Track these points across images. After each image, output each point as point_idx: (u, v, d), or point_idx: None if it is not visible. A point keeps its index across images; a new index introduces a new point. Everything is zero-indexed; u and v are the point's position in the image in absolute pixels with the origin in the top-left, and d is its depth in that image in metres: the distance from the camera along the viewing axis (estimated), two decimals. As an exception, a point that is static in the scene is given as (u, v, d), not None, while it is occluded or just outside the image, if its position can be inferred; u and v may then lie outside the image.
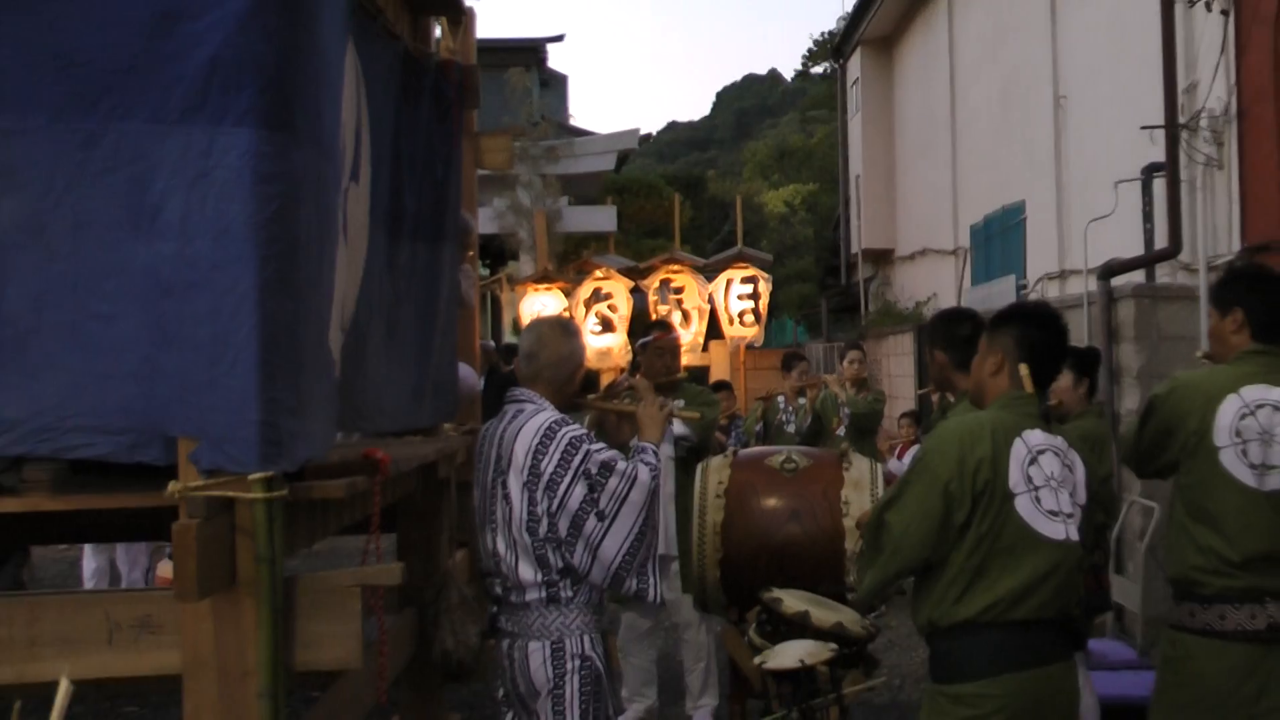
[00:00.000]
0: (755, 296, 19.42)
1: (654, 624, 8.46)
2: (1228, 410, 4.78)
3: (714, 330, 19.65)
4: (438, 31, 7.39)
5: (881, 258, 24.99)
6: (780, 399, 11.60)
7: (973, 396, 4.86)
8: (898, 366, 19.08)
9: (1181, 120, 11.01)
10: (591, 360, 17.79)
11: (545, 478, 4.68)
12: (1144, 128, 11.50)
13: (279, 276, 3.80)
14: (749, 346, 19.81)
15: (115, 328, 3.81)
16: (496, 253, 27.35)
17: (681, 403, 7.77)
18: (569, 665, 4.76)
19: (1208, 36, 10.82)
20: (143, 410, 3.81)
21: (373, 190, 5.46)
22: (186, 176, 3.76)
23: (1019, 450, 4.44)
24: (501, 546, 4.80)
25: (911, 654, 9.61)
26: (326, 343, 4.48)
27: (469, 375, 7.83)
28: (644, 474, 4.81)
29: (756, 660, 5.32)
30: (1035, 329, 4.70)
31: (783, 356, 12.90)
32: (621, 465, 4.75)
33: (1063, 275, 14.80)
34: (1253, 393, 4.79)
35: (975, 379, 4.82)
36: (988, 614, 4.35)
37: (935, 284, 20.55)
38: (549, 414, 4.82)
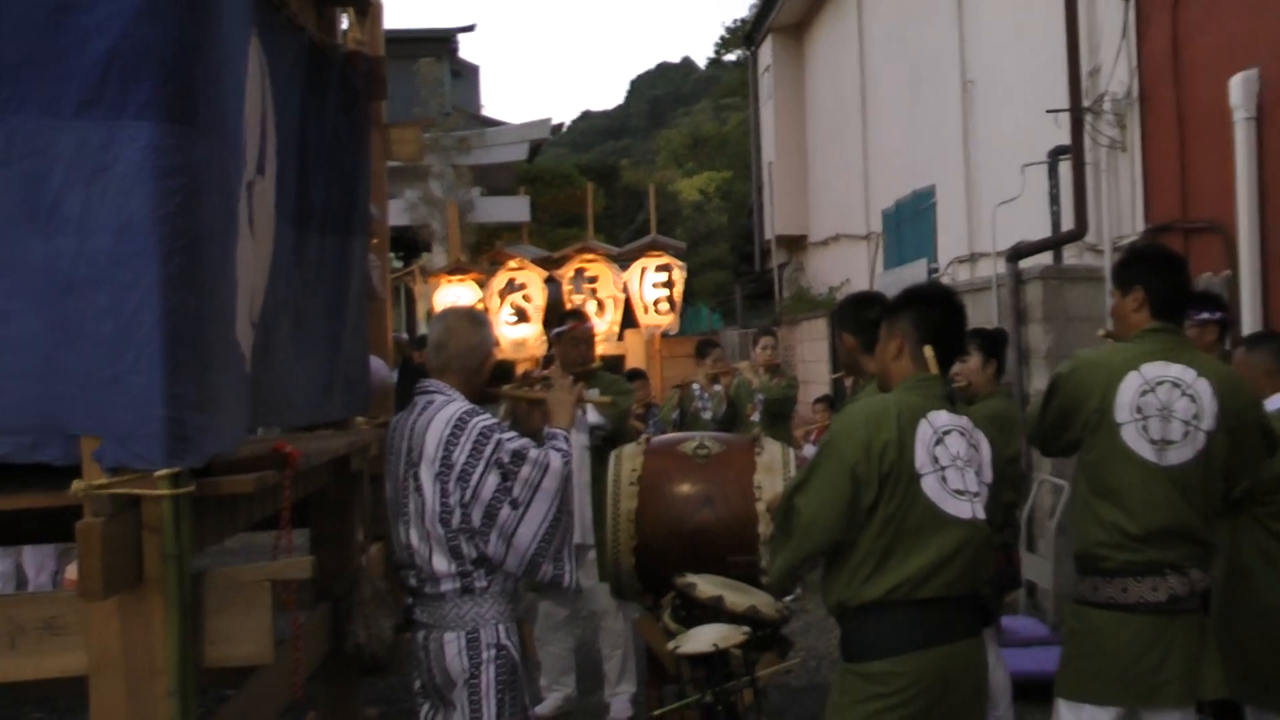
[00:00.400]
0: (670, 284, 19.45)
1: (571, 613, 8.47)
2: (1129, 387, 4.85)
3: (629, 319, 19.66)
4: (345, 22, 7.35)
5: (795, 244, 25.07)
6: (695, 386, 11.63)
7: (879, 380, 4.92)
8: (812, 352, 19.19)
9: (1085, 104, 11.11)
10: (507, 351, 17.80)
11: (457, 469, 4.68)
12: (1049, 111, 11.60)
13: (182, 271, 3.76)
14: (664, 334, 19.84)
15: (13, 325, 3.77)
16: (409, 244, 27.26)
17: (596, 391, 7.78)
18: (484, 655, 4.76)
19: (1110, 21, 10.94)
20: (43, 409, 3.77)
21: (279, 183, 5.42)
22: (85, 171, 3.72)
23: (925, 431, 4.50)
24: (415, 539, 4.80)
25: (827, 636, 9.67)
26: (234, 337, 4.45)
27: (380, 368, 7.81)
28: (556, 461, 4.82)
29: (670, 645, 5.34)
30: (932, 310, 4.77)
31: (697, 344, 12.94)
32: (534, 453, 4.76)
33: (973, 258, 14.91)
34: (1153, 370, 4.86)
35: (879, 364, 4.90)
36: (896, 593, 4.40)
37: (848, 269, 20.66)
38: (459, 405, 4.81)
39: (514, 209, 26.89)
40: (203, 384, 3.93)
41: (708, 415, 11.27)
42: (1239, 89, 8.50)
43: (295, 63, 5.69)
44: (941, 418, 4.57)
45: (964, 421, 4.64)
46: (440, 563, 4.74)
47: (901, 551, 4.41)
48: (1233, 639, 5.70)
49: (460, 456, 4.68)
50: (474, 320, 5.15)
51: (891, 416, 4.49)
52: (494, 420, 4.82)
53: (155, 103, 3.71)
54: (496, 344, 5.90)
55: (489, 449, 4.69)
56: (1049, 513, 9.99)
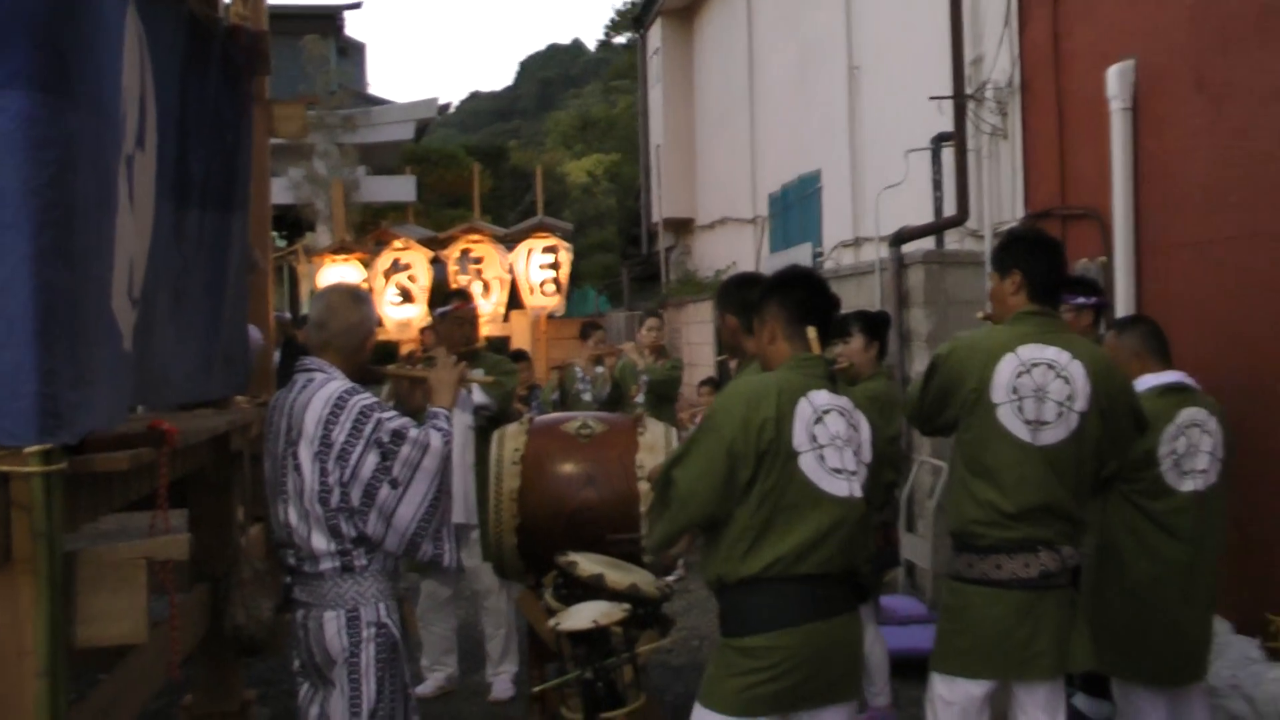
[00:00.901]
0: (556, 266, 19.47)
1: (453, 593, 8.47)
2: (1005, 368, 4.93)
3: (515, 300, 19.65)
4: (227, -4, 7.27)
5: (682, 227, 25.12)
6: (577, 368, 11.66)
7: (761, 363, 4.98)
8: (698, 334, 19.24)
9: (968, 91, 11.23)
10: (392, 332, 17.72)
11: (337, 448, 4.66)
12: (933, 98, 11.71)
13: (55, 244, 3.70)
14: (550, 316, 19.86)
15: (-118, 300, 3.70)
16: (293, 224, 26.98)
17: (481, 372, 7.77)
18: (364, 634, 4.76)
19: (993, 10, 11.06)
20: (-92, 385, 3.70)
21: (159, 158, 5.34)
22: (-48, 142, 3.65)
23: (804, 410, 4.57)
24: (294, 518, 4.77)
25: (710, 616, 9.71)
26: (110, 312, 4.38)
27: (257, 336, 7.76)
28: (436, 440, 4.81)
29: (551, 623, 5.35)
30: (795, 292, 4.89)
31: (580, 326, 13.00)
32: (414, 433, 4.75)
33: (857, 243, 15.03)
34: (1029, 352, 4.95)
35: (758, 350, 4.97)
36: (773, 569, 4.46)
37: (734, 253, 20.73)
38: (339, 383, 4.79)
39: (400, 189, 26.72)
40: (76, 359, 3.86)
41: (588, 397, 11.32)
42: (1116, 79, 8.63)
43: (175, 35, 5.61)
44: (821, 397, 4.64)
45: (844, 402, 4.71)
46: (319, 542, 4.72)
47: (779, 528, 4.48)
48: (1102, 613, 5.83)
49: (340, 435, 4.66)
50: (355, 298, 5.12)
51: (771, 395, 4.55)
52: (374, 399, 4.80)
53: (26, 72, 3.63)
54: (379, 323, 5.86)
55: (369, 428, 4.67)
56: (928, 493, 10.12)
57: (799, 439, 4.53)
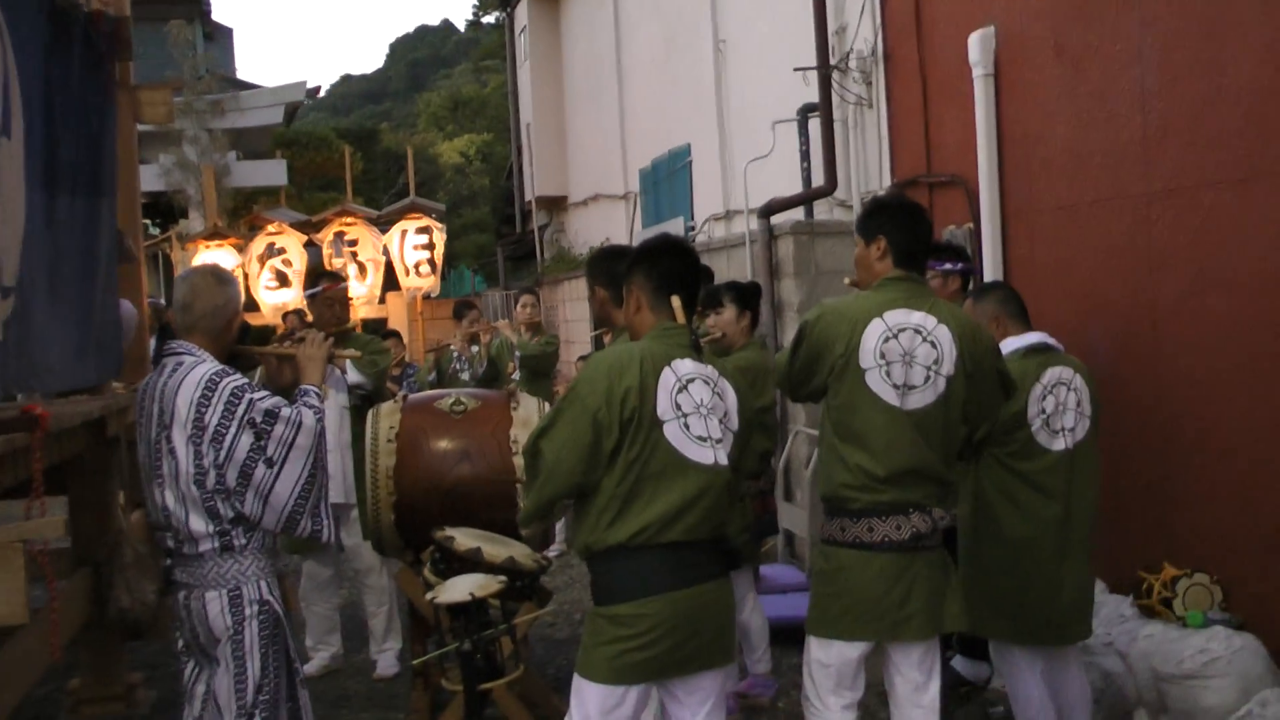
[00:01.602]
0: (430, 246, 19.45)
1: (335, 572, 8.49)
2: (872, 334, 4.96)
3: (391, 282, 19.59)
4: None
5: (555, 205, 25.10)
6: (452, 348, 11.68)
7: (629, 334, 5.03)
8: (573, 311, 19.28)
9: (833, 62, 11.32)
10: (268, 316, 17.60)
11: (210, 430, 4.68)
12: (798, 69, 11.81)
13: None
14: (426, 297, 19.83)
15: None
16: (165, 210, 26.67)
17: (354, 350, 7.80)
18: (247, 611, 4.79)
19: (855, -21, 11.17)
20: None
21: (27, 145, 5.33)
22: None
23: (668, 379, 4.63)
24: (170, 501, 4.78)
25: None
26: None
27: (129, 311, 7.73)
28: (309, 417, 4.85)
29: (428, 596, 5.40)
30: (661, 261, 4.94)
31: (454, 305, 13.00)
32: (286, 411, 4.78)
33: (728, 215, 15.11)
34: (895, 317, 4.99)
35: (626, 321, 5.02)
36: (639, 537, 4.52)
37: (607, 229, 20.76)
38: (209, 365, 4.81)
39: (271, 173, 26.51)
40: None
41: (465, 375, 11.35)
42: (977, 46, 8.73)
43: (35, 22, 5.59)
44: (685, 366, 4.70)
45: (708, 370, 4.78)
46: (197, 523, 4.74)
47: (645, 496, 4.55)
48: (980, 576, 5.92)
49: (213, 418, 4.68)
50: (219, 279, 5.11)
51: (635, 364, 4.61)
52: (245, 380, 4.83)
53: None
54: (254, 307, 5.86)
55: (241, 409, 4.70)
56: (805, 462, 10.22)
57: (663, 407, 4.59)
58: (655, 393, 4.59)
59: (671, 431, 4.58)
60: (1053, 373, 5.96)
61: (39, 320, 5.39)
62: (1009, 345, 5.99)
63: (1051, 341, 6.11)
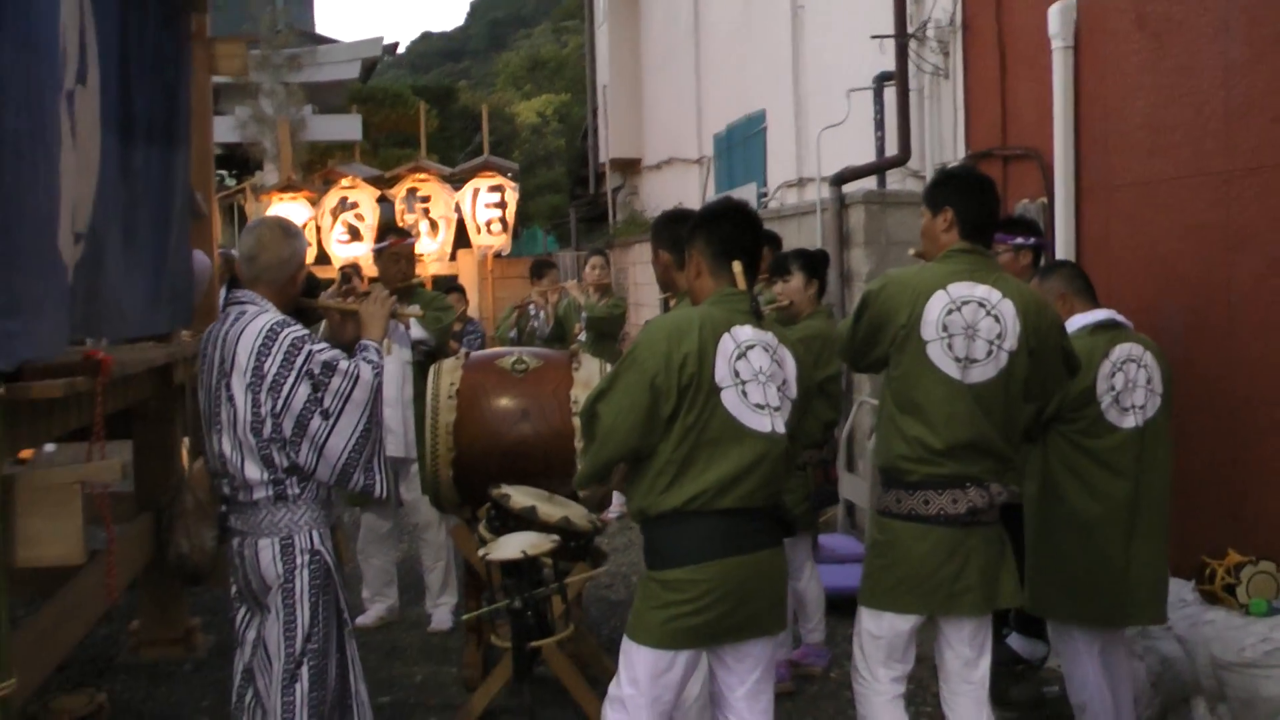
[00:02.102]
0: (502, 205, 19.48)
1: (393, 526, 8.54)
2: (935, 305, 4.93)
3: (462, 239, 19.64)
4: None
5: (629, 167, 25.06)
6: (532, 306, 11.69)
7: (690, 299, 5.02)
8: (644, 274, 19.24)
9: (910, 30, 11.24)
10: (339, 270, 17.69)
11: (269, 379, 4.72)
12: (874, 37, 11.73)
13: (-13, 176, 3.75)
14: (497, 255, 19.86)
15: None
16: (240, 162, 26.88)
17: (416, 307, 7.83)
18: (298, 560, 4.84)
19: (935, -52, 11.08)
20: None
21: (102, 94, 5.37)
22: (-113, 76, 3.68)
23: (727, 345, 4.62)
24: (228, 447, 4.83)
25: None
26: (55, 245, 4.43)
27: (203, 261, 7.80)
28: (366, 372, 4.87)
29: (480, 553, 5.42)
30: (721, 225, 4.93)
31: (532, 264, 13.00)
32: (344, 364, 4.81)
33: (800, 183, 15.03)
34: (959, 289, 4.95)
35: (687, 286, 5.01)
36: (694, 503, 4.52)
37: (681, 193, 20.71)
38: (271, 315, 4.84)
39: (346, 127, 26.65)
40: (11, 288, 3.91)
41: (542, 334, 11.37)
42: (1057, 17, 8.64)
43: (113, -28, 5.63)
44: (745, 332, 4.68)
45: (768, 337, 4.76)
46: (253, 471, 4.79)
47: (701, 462, 4.55)
48: (1045, 555, 5.90)
49: (272, 367, 4.72)
50: (286, 232, 5.14)
51: (694, 329, 4.60)
52: (305, 331, 4.86)
53: (-45, 8, 3.67)
54: (328, 260, 5.87)
55: (300, 360, 4.73)
56: (868, 433, 10.17)
57: (721, 374, 4.58)
58: (714, 359, 4.58)
59: (729, 398, 4.58)
60: (1122, 349, 5.89)
61: (111, 267, 5.45)
62: (1076, 322, 5.94)
63: (1120, 318, 6.05)
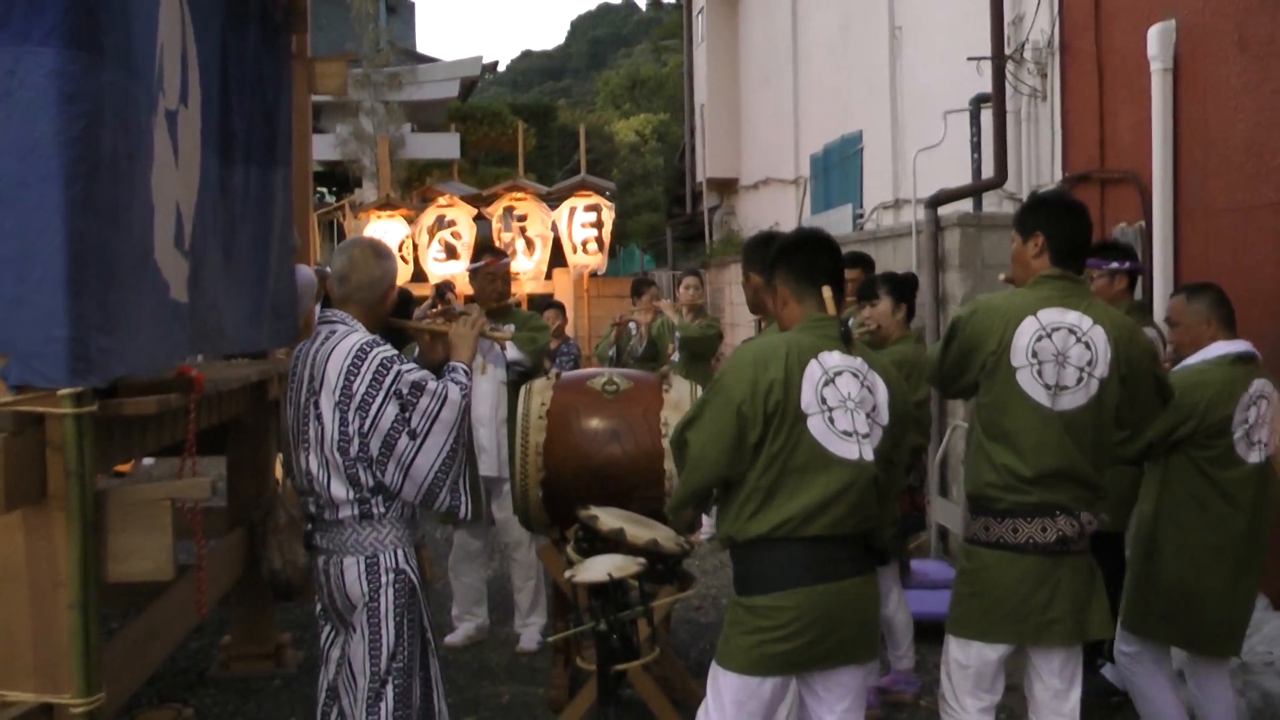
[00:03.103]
0: (599, 224, 19.54)
1: (484, 544, 8.57)
2: (1025, 332, 4.89)
3: (558, 258, 19.71)
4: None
5: (726, 187, 25.06)
6: (631, 324, 11.69)
7: (778, 324, 5.02)
8: (739, 295, 19.13)
9: (1007, 52, 11.20)
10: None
11: (357, 398, 4.75)
12: (972, 59, 11.68)
13: (87, 194, 3.82)
14: (593, 274, 19.92)
15: (-76, 245, 3.82)
16: (340, 179, 27.19)
17: (512, 328, 7.87)
18: (383, 579, 4.85)
19: (1034, -30, 11.02)
20: (-50, 327, 3.83)
21: (203, 114, 5.46)
22: (-9, 95, 3.77)
23: (814, 371, 4.59)
24: (314, 465, 4.87)
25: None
26: (151, 261, 4.50)
27: (307, 276, 7.89)
28: (454, 393, 4.89)
29: (567, 574, 5.43)
30: (801, 253, 4.91)
31: (633, 283, 13.01)
32: (432, 385, 4.83)
33: (896, 204, 14.99)
34: (1049, 316, 4.91)
35: (775, 313, 5.00)
36: (781, 530, 4.51)
37: (777, 213, 20.70)
38: (360, 335, 4.87)
39: (444, 146, 26.90)
40: (107, 306, 3.98)
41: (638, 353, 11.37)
42: (1157, 39, 8.58)
43: (214, -5, 5.72)
44: (833, 358, 4.65)
45: (857, 363, 4.72)
46: (338, 490, 4.81)
47: (787, 489, 4.53)
48: (1153, 576, 5.86)
49: (360, 386, 4.74)
50: (377, 252, 5.17)
51: (780, 356, 4.58)
52: (394, 352, 4.88)
53: (59, 30, 3.75)
54: (424, 278, 5.91)
55: (389, 380, 4.75)
56: (961, 458, 10.12)
57: (807, 400, 4.55)
58: (800, 385, 4.56)
59: (815, 425, 4.55)
60: (1258, 384, 5.86)
61: (212, 285, 5.54)
62: (1218, 350, 5.90)
63: (1255, 352, 5.98)
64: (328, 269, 7.93)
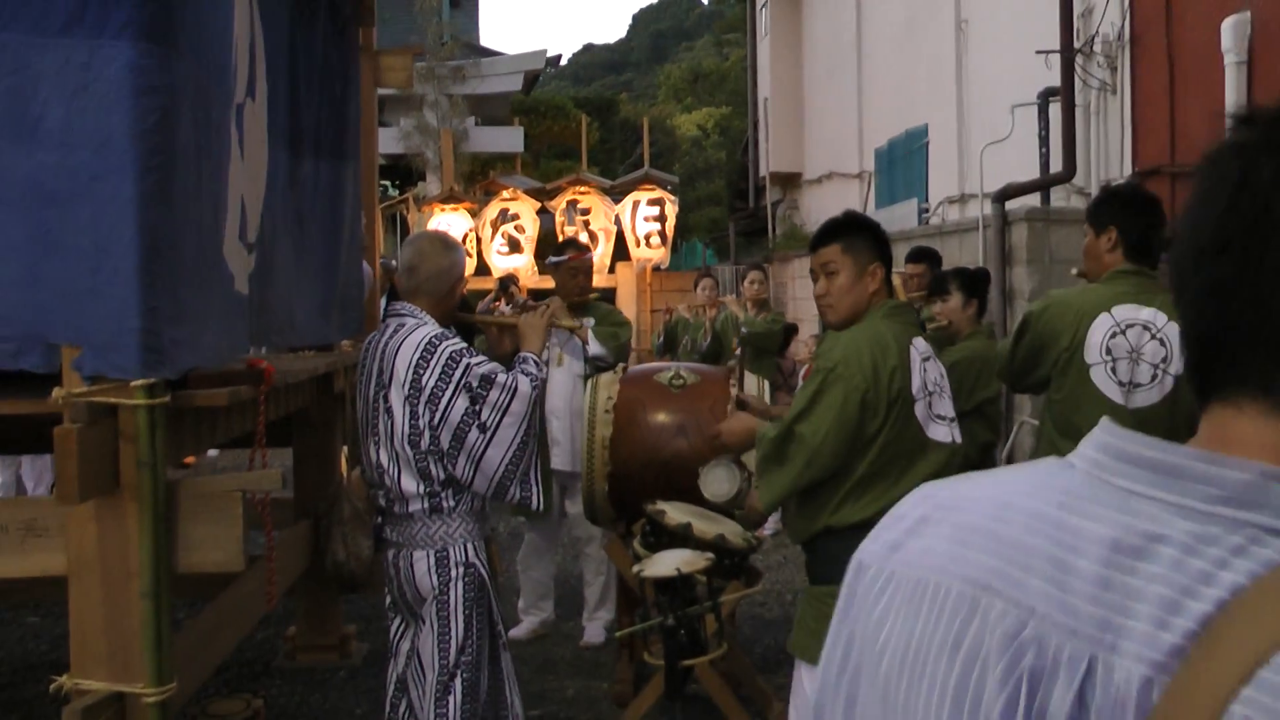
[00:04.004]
0: (662, 219, 19.47)
1: (553, 539, 8.56)
2: (1099, 328, 4.86)
3: (621, 252, 19.69)
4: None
5: (789, 181, 25.03)
6: (687, 318, 11.67)
7: (850, 310, 4.90)
8: (803, 289, 19.17)
9: (1077, 45, 11.12)
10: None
11: (427, 391, 4.75)
12: (1040, 52, 11.61)
13: (160, 187, 3.84)
14: (656, 268, 19.88)
15: (-3, 237, 3.85)
16: (403, 173, 27.29)
17: (592, 322, 7.85)
18: (453, 573, 4.86)
19: (1103, -37, 10.94)
20: (25, 318, 3.86)
21: (270, 107, 5.48)
22: (67, 88, 3.79)
23: (914, 357, 4.53)
24: (384, 459, 4.88)
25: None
26: (220, 254, 4.53)
27: (366, 272, 7.92)
28: (524, 384, 4.89)
29: (635, 569, 5.42)
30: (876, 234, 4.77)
31: (696, 277, 13.00)
32: (502, 378, 4.83)
33: (962, 199, 14.93)
34: (1123, 312, 4.88)
35: (840, 296, 4.75)
36: (881, 515, 4.40)
37: (841, 207, 20.19)
38: (430, 328, 4.88)
39: (508, 139, 26.90)
40: (179, 298, 4.01)
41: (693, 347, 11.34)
42: (1231, 32, 8.50)
43: (283, -13, 5.74)
44: (921, 344, 4.62)
45: (930, 349, 4.69)
46: (409, 483, 4.83)
47: (891, 475, 4.43)
48: None
49: (430, 379, 4.75)
50: (445, 244, 5.19)
51: (891, 343, 4.48)
52: (463, 344, 4.89)
53: (134, 23, 3.77)
54: (487, 271, 5.91)
55: (458, 373, 4.76)
56: (1029, 454, 10.06)
57: (916, 386, 4.48)
58: (910, 371, 4.49)
59: (920, 410, 4.48)
60: None
61: (281, 278, 5.56)
62: None
63: None
64: (393, 262, 7.95)
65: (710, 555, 5.35)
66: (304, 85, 6.15)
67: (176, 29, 3.92)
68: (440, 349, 4.78)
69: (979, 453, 7.13)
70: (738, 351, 10.90)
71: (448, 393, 4.74)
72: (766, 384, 6.60)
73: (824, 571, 4.62)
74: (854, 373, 4.42)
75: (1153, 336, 4.85)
